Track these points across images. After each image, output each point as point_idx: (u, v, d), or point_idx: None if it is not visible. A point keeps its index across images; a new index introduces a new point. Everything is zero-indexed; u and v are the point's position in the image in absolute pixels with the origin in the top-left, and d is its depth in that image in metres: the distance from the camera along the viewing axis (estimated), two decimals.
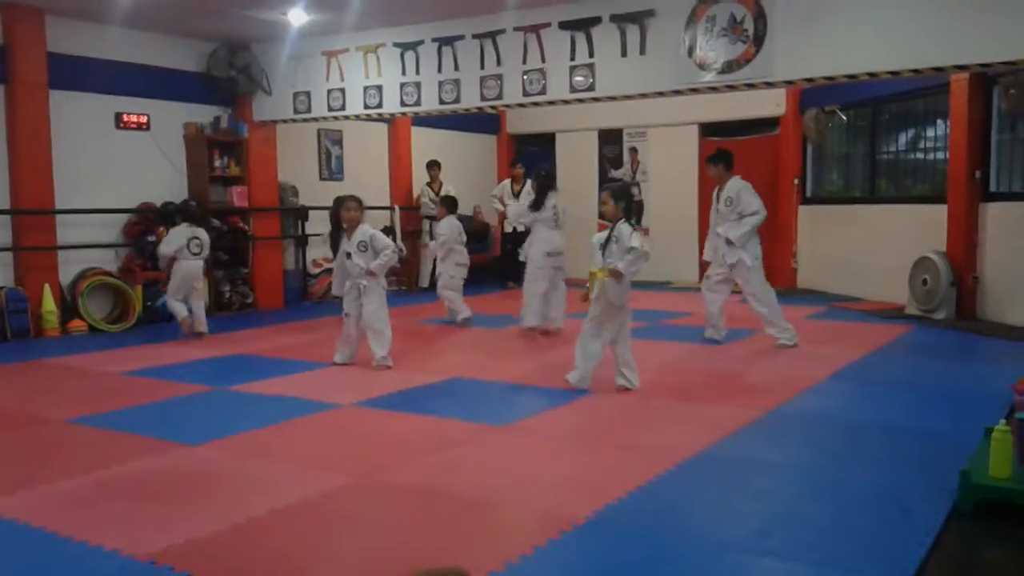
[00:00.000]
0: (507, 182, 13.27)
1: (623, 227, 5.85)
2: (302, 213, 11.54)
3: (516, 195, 13.26)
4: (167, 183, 10.07)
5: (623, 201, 5.96)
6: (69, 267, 9.07)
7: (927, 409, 5.49)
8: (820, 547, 3.31)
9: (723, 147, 8.37)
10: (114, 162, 9.58)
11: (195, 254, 8.37)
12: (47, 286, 8.63)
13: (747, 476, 4.22)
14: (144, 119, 9.90)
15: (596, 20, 8.25)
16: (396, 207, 12.72)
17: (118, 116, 9.68)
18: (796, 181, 12.30)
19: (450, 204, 9.58)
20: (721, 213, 7.82)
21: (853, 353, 7.25)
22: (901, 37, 6.91)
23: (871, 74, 7.23)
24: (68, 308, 8.93)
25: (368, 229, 6.94)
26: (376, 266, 6.80)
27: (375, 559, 3.28)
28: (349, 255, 6.84)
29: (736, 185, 7.74)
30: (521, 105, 9.16)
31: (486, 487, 4.07)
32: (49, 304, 8.63)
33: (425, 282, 12.59)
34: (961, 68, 7.25)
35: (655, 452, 4.53)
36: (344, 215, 6.87)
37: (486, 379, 6.53)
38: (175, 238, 8.38)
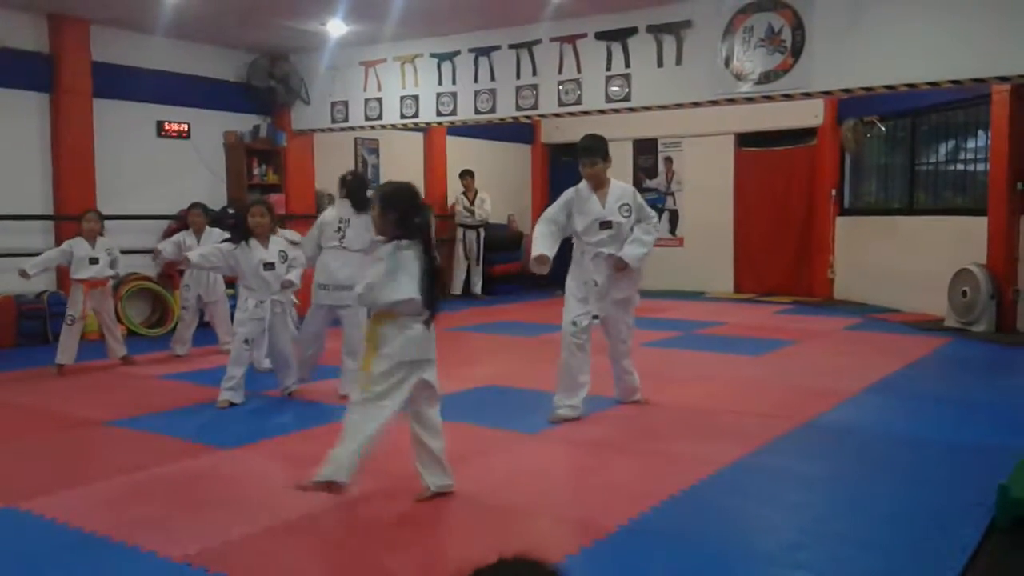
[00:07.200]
0: None
1: (395, 252, 3.83)
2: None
3: None
4: (206, 190, 10.18)
5: (393, 212, 3.91)
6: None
7: (965, 423, 5.40)
8: (854, 562, 3.27)
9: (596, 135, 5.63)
10: (155, 169, 9.74)
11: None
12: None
13: (781, 488, 4.19)
14: (185, 127, 10.07)
15: (632, 31, 8.26)
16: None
17: (159, 124, 9.85)
18: (833, 192, 12.18)
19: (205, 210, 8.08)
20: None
21: (890, 365, 7.15)
22: (941, 48, 6.84)
23: (910, 85, 7.16)
24: None
25: (291, 235, 6.36)
26: (295, 275, 5.98)
27: (406, 565, 3.29)
28: (269, 265, 5.94)
29: (627, 189, 5.66)
30: (556, 115, 9.20)
31: (517, 495, 4.07)
32: None
33: (458, 289, 12.67)
34: (1003, 79, 7.16)
35: (688, 462, 4.51)
36: (251, 221, 5.96)
37: (518, 387, 6.54)
38: None
